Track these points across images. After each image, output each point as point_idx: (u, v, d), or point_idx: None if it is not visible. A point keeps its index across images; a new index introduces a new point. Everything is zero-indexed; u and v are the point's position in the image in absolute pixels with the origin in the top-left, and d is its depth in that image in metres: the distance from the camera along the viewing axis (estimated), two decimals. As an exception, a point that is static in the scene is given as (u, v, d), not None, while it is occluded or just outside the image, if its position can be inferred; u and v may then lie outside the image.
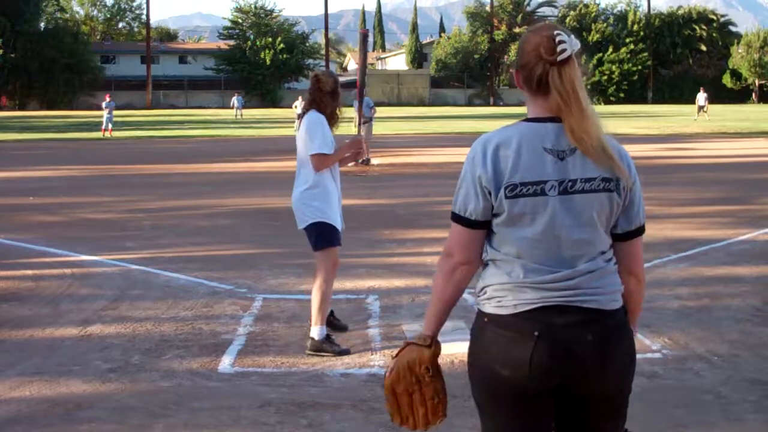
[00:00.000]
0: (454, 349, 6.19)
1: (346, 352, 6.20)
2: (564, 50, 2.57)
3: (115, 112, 36.86)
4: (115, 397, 5.35)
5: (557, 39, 2.58)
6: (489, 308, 2.68)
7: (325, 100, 6.29)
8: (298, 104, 37.85)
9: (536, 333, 2.58)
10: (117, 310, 7.47)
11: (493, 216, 2.65)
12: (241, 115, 54.80)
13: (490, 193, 2.60)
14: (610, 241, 2.69)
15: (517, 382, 2.62)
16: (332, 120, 6.33)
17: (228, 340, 6.56)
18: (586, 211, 2.60)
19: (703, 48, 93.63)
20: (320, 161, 6.13)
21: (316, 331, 6.20)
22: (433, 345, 2.82)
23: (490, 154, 2.60)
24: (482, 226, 2.66)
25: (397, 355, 2.83)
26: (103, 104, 36.50)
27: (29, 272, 9.09)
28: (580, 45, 2.63)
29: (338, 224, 6.28)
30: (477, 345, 2.73)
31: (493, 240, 2.69)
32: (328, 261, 6.21)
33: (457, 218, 2.69)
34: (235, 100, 56.53)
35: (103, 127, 35.59)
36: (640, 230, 2.73)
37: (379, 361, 6.03)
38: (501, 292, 2.66)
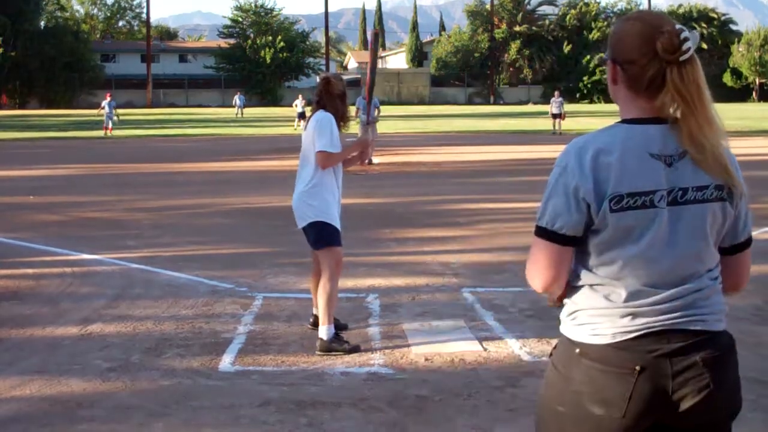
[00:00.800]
0: (454, 348, 6.21)
1: (356, 349, 6.20)
2: (689, 48, 2.27)
3: (116, 111, 36.81)
4: (116, 395, 5.36)
5: (682, 35, 2.27)
6: (581, 336, 2.36)
7: (334, 102, 6.30)
8: (299, 102, 37.62)
9: (638, 368, 2.28)
10: (117, 309, 7.48)
11: (592, 233, 2.34)
12: (242, 114, 54.75)
13: (589, 207, 2.29)
14: (718, 257, 2.41)
15: (607, 424, 2.32)
16: (342, 121, 6.33)
17: (228, 338, 6.56)
18: (699, 223, 2.31)
19: (704, 46, 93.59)
20: (326, 159, 6.13)
21: (324, 331, 6.18)
22: None
23: (588, 162, 2.28)
24: (573, 243, 2.35)
25: None
26: (104, 103, 36.43)
27: (29, 271, 9.10)
28: (699, 38, 2.35)
29: (338, 224, 6.29)
30: (564, 380, 2.38)
31: (589, 261, 2.37)
32: (331, 260, 6.20)
33: (544, 233, 2.35)
34: (237, 99, 56.52)
35: (105, 125, 35.59)
36: (748, 242, 2.47)
37: (379, 359, 6.03)
38: (597, 318, 2.34)
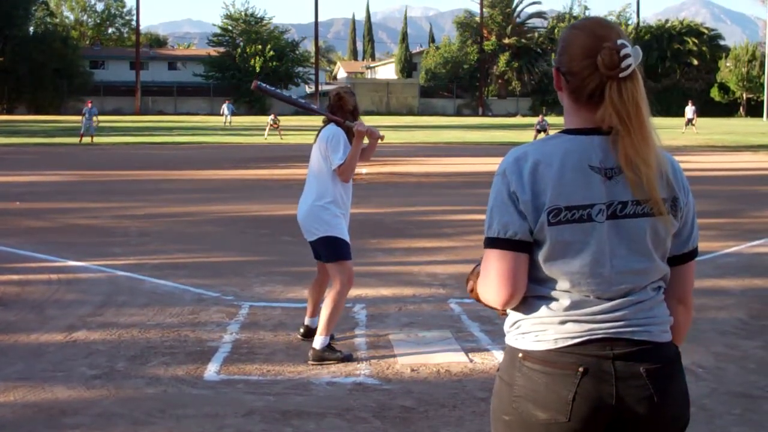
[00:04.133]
0: (441, 359, 6.21)
1: (348, 358, 6.20)
2: (629, 65, 2.24)
3: (104, 117, 36.66)
4: (100, 403, 5.33)
5: (622, 52, 2.23)
6: (524, 344, 2.33)
7: (347, 117, 6.35)
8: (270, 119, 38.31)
9: (581, 369, 2.25)
10: (103, 316, 7.45)
11: (533, 244, 2.29)
12: (230, 122, 54.63)
13: (526, 218, 2.25)
14: (667, 269, 2.37)
15: (554, 430, 2.27)
16: (351, 135, 6.33)
17: (214, 347, 6.54)
18: (640, 237, 2.27)
19: (693, 62, 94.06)
20: (345, 171, 6.19)
21: (319, 341, 6.17)
22: None
23: (527, 172, 2.25)
24: (527, 249, 2.28)
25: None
26: (84, 110, 35.96)
27: (15, 277, 9.05)
28: (641, 54, 2.29)
29: (348, 237, 6.31)
30: (508, 387, 2.34)
31: (531, 273, 2.32)
32: (343, 274, 6.22)
33: (496, 243, 2.28)
34: (225, 108, 56.40)
35: (81, 132, 35.12)
36: (694, 253, 2.44)
37: (365, 370, 6.02)
38: (540, 325, 2.32)
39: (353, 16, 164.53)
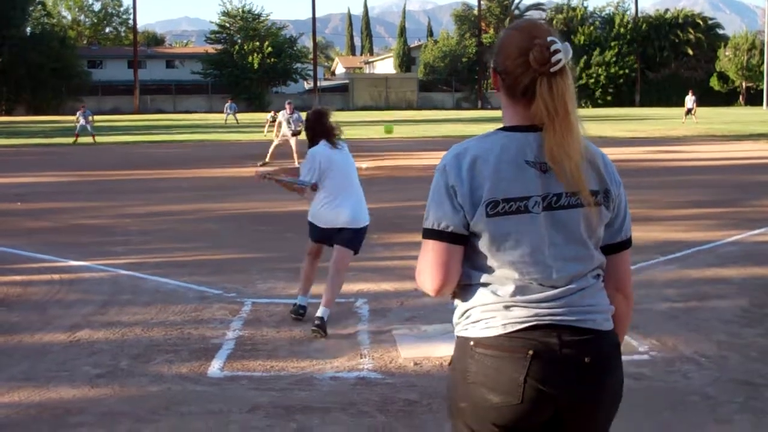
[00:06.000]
0: (444, 352, 6.21)
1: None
2: (559, 60, 2.33)
3: (102, 117, 36.59)
4: (104, 402, 5.35)
5: (552, 48, 2.33)
6: (475, 332, 2.42)
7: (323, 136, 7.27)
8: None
9: (531, 352, 2.34)
10: (106, 316, 7.46)
11: (473, 236, 2.40)
12: (236, 120, 53.89)
13: (463, 209, 2.37)
14: (603, 259, 2.49)
15: (507, 413, 2.37)
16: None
17: (217, 344, 6.55)
18: (574, 226, 2.39)
19: (690, 52, 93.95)
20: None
21: (327, 312, 6.84)
22: None
23: (465, 168, 2.37)
24: (461, 242, 2.40)
25: None
26: (78, 114, 35.70)
27: (17, 278, 9.07)
28: (572, 51, 2.38)
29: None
30: (460, 373, 2.43)
31: (477, 262, 2.43)
32: (349, 261, 7.23)
33: (431, 233, 2.42)
34: (227, 107, 55.97)
35: (76, 132, 34.97)
36: (627, 243, 2.54)
37: (369, 364, 6.03)
38: (488, 313, 2.41)
39: (348, 11, 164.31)
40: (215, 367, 6.00)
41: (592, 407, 2.42)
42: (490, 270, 2.42)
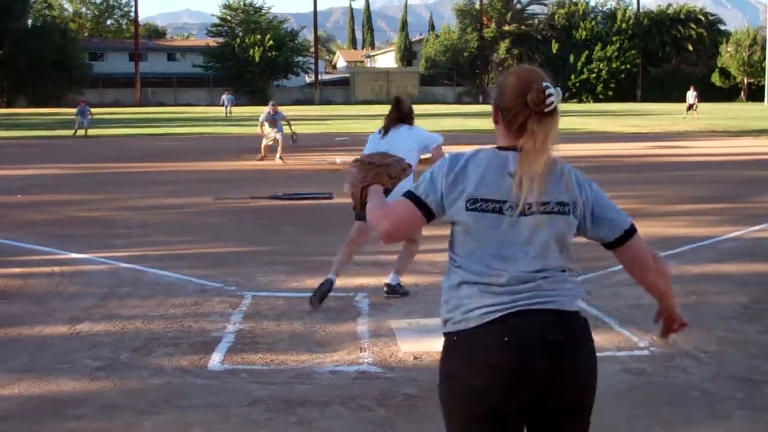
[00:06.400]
0: (443, 347, 6.22)
1: (407, 293, 7.79)
2: (552, 103, 2.73)
3: (103, 110, 36.38)
4: (104, 395, 5.35)
5: (547, 92, 2.72)
6: (457, 327, 2.75)
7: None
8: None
9: (506, 339, 2.65)
10: (106, 308, 7.46)
11: (453, 225, 2.81)
12: (231, 113, 54.30)
13: (444, 199, 2.78)
14: (565, 262, 2.80)
15: (492, 395, 2.66)
16: None
17: (217, 337, 6.56)
18: (541, 231, 2.75)
19: (692, 47, 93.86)
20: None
21: (397, 278, 7.79)
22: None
23: (459, 166, 2.80)
24: (428, 213, 2.82)
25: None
26: (77, 109, 35.15)
27: (17, 270, 9.07)
28: (561, 95, 2.79)
29: None
30: (447, 363, 2.77)
31: (457, 247, 2.82)
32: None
33: (412, 196, 2.83)
34: (225, 98, 56.17)
35: (76, 127, 34.42)
36: (628, 234, 2.86)
37: (368, 358, 6.04)
38: (467, 308, 2.73)
39: (350, 4, 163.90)
40: (215, 361, 6.01)
41: (566, 384, 2.69)
42: (468, 269, 2.77)
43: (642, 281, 2.91)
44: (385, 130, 7.70)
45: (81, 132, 34.24)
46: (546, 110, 2.73)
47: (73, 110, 36.53)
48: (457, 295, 2.77)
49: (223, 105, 56.17)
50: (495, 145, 2.88)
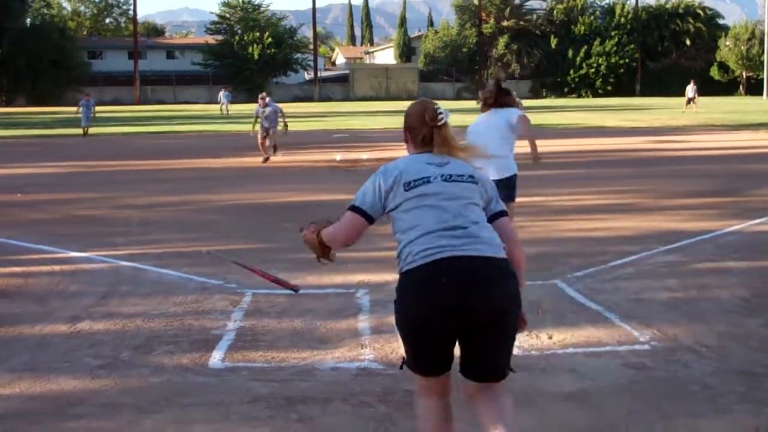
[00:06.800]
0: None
1: None
2: (443, 118, 3.95)
3: (103, 108, 36.13)
4: (105, 393, 5.35)
5: (438, 111, 3.96)
6: (406, 267, 3.73)
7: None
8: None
9: (444, 279, 3.58)
10: (106, 307, 7.46)
11: (398, 208, 3.84)
12: (227, 111, 54.13)
13: (387, 194, 3.87)
14: (484, 216, 3.86)
15: (429, 317, 3.61)
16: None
17: (218, 335, 6.56)
18: (462, 192, 3.82)
19: (689, 42, 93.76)
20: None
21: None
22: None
23: (392, 173, 3.89)
24: (368, 219, 3.95)
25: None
26: (81, 102, 34.51)
27: (17, 269, 9.07)
28: (449, 114, 4.00)
29: None
30: (400, 295, 3.76)
31: (400, 225, 3.85)
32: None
33: (354, 208, 3.94)
34: (222, 96, 56.09)
35: (83, 125, 33.68)
36: (502, 213, 3.95)
37: (369, 355, 6.04)
38: (415, 253, 3.69)
39: (350, 1, 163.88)
40: (216, 358, 6.00)
41: (487, 312, 3.59)
42: (412, 228, 3.76)
43: (508, 249, 3.79)
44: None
45: (88, 129, 33.49)
46: (438, 124, 3.94)
47: (74, 108, 36.32)
48: (405, 250, 3.75)
49: (220, 102, 56.04)
50: (410, 154, 4.07)
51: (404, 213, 3.79)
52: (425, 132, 3.94)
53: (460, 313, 3.56)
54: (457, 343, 3.72)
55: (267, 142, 21.31)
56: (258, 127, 21.44)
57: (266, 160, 21.19)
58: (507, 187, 8.08)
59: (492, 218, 3.88)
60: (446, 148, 3.94)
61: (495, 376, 3.76)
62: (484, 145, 7.73)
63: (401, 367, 3.90)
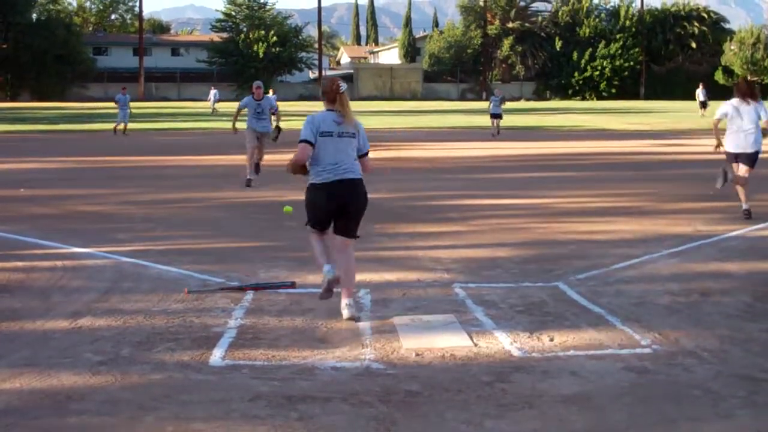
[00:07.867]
0: (445, 343, 6.21)
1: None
2: (343, 89, 6.90)
3: (107, 104, 36.04)
4: (106, 389, 5.35)
5: (339, 83, 6.96)
6: (313, 181, 6.90)
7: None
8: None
9: (331, 190, 6.84)
10: (108, 303, 7.47)
11: (315, 145, 6.81)
12: (215, 110, 52.91)
13: (314, 133, 6.83)
14: (356, 157, 7.00)
15: (322, 204, 6.91)
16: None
17: (219, 333, 6.56)
18: (348, 144, 6.93)
19: (694, 46, 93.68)
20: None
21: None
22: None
23: (316, 121, 6.88)
24: (312, 144, 6.81)
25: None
26: (118, 97, 33.25)
27: (20, 264, 9.07)
28: (347, 86, 6.87)
29: None
30: (309, 193, 6.98)
31: (316, 157, 6.84)
32: None
33: (303, 140, 6.82)
34: (211, 95, 55.51)
35: (118, 121, 32.81)
36: (366, 154, 7.12)
37: (370, 355, 6.03)
38: (318, 174, 6.86)
39: (356, 1, 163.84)
40: (217, 356, 6.00)
41: (353, 203, 6.95)
42: (319, 160, 6.85)
43: (364, 168, 7.10)
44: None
45: (120, 126, 32.26)
46: (340, 91, 6.90)
47: (76, 104, 36.40)
48: (315, 173, 6.84)
49: (209, 101, 55.36)
50: (325, 109, 6.98)
51: (317, 150, 6.86)
52: (334, 96, 6.95)
53: (339, 204, 6.90)
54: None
55: (256, 155, 16.93)
56: (243, 126, 17.74)
57: (249, 183, 16.33)
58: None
59: (359, 157, 7.05)
60: (342, 107, 6.92)
61: (349, 236, 7.07)
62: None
63: (306, 225, 7.14)
